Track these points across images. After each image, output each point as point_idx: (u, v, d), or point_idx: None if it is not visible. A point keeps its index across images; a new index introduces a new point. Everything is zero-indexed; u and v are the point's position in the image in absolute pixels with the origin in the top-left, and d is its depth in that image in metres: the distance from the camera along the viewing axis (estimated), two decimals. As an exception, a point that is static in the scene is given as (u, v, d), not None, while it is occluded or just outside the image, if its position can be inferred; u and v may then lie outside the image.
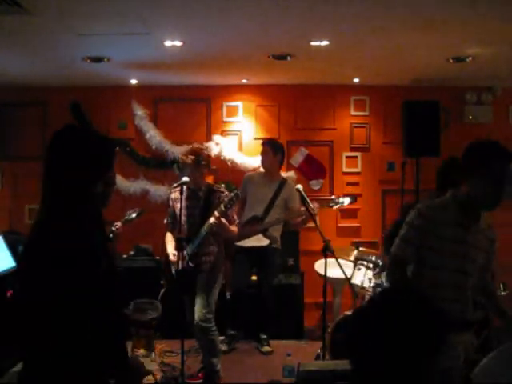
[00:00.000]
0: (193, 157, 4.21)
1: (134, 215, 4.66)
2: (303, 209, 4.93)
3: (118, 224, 4.43)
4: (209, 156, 4.50)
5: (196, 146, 4.60)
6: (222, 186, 5.07)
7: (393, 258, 2.71)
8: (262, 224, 5.24)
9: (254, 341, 5.45)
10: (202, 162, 4.23)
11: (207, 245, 4.22)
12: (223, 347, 5.26)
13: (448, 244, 2.54)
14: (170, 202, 4.35)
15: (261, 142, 5.63)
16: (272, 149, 5.37)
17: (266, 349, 5.32)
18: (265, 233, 5.23)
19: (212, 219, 4.04)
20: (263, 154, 5.44)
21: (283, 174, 6.27)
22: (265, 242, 5.25)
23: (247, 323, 5.48)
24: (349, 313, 4.29)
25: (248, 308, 5.45)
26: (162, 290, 5.35)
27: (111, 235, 4.32)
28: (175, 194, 4.28)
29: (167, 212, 4.41)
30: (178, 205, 4.12)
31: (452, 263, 2.55)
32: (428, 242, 2.57)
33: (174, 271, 4.25)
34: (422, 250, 2.59)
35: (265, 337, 5.38)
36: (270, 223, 5.23)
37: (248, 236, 5.20)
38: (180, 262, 4.07)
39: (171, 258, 4.25)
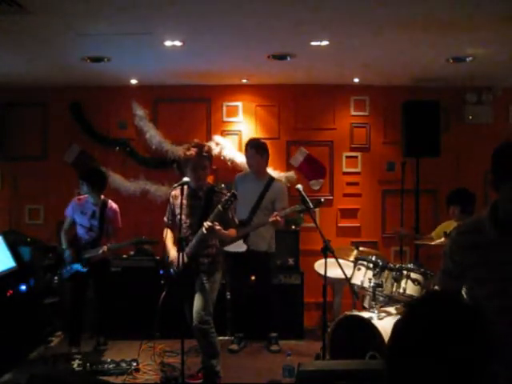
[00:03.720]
0: (195, 149, 4.12)
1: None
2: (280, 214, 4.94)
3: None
4: (210, 148, 4.42)
5: (197, 140, 4.36)
6: (223, 185, 5.06)
7: None
8: (244, 228, 5.09)
9: (255, 341, 5.45)
10: (204, 153, 4.12)
11: (206, 246, 4.18)
12: (234, 347, 5.27)
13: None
14: (171, 200, 4.33)
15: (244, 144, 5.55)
16: (257, 151, 5.32)
17: (275, 347, 5.34)
18: (245, 239, 5.12)
19: (205, 225, 3.96)
20: (249, 157, 5.36)
21: (283, 174, 6.30)
22: (243, 247, 5.14)
23: (248, 324, 5.47)
24: (349, 313, 4.28)
25: (248, 309, 5.44)
26: (163, 293, 5.31)
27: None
28: (176, 193, 4.26)
29: (167, 210, 4.39)
30: (179, 204, 4.07)
31: None
32: None
33: (172, 272, 4.22)
34: None
35: (275, 335, 5.40)
36: (251, 228, 5.13)
37: (230, 242, 4.96)
38: (180, 264, 4.01)
39: (171, 258, 4.22)
